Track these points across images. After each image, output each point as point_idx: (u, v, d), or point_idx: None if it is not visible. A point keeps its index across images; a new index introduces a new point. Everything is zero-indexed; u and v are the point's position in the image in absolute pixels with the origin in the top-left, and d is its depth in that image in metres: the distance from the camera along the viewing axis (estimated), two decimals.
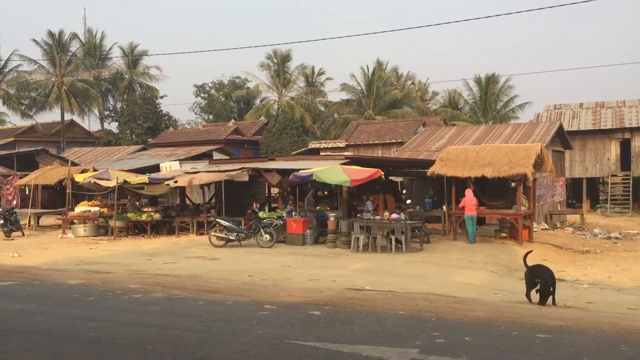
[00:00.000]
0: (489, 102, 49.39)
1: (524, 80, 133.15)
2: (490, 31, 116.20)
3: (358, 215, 19.13)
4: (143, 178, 22.58)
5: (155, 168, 28.28)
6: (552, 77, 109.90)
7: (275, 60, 53.81)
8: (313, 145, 37.90)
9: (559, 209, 27.92)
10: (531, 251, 11.97)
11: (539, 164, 19.13)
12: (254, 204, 21.40)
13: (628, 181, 33.90)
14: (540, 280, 9.89)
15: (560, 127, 29.37)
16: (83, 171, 25.34)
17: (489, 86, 49.22)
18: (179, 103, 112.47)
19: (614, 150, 34.74)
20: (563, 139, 29.78)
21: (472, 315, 8.71)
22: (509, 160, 18.60)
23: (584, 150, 35.08)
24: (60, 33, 49.83)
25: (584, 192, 34.89)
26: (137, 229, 22.52)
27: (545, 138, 26.77)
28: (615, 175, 34.35)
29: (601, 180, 35.78)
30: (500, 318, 8.52)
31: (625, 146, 34.59)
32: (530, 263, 10.65)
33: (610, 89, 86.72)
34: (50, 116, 51.32)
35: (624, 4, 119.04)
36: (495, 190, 20.37)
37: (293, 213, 19.62)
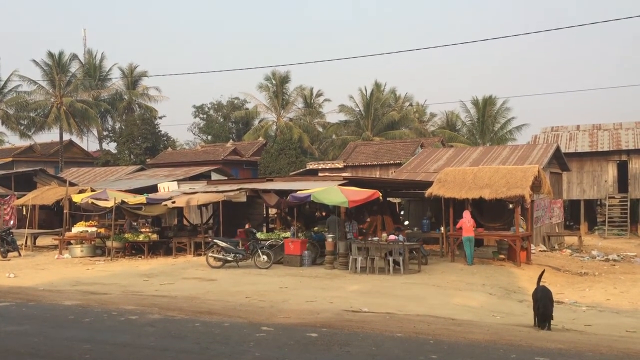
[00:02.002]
0: (486, 124, 49.65)
1: (521, 102, 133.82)
2: (487, 53, 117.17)
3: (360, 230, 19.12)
4: (141, 198, 22.57)
5: (153, 188, 28.23)
6: (549, 99, 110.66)
7: (274, 82, 54.15)
8: (311, 166, 37.95)
9: (557, 230, 27.92)
10: (544, 271, 11.85)
11: (536, 186, 19.18)
12: (247, 225, 21.37)
13: (625, 203, 33.94)
14: (539, 304, 9.80)
15: (558, 149, 29.49)
16: (81, 191, 25.31)
17: (486, 108, 49.52)
18: (177, 124, 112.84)
19: (611, 172, 34.85)
20: (560, 160, 29.89)
21: (470, 337, 8.68)
22: (506, 182, 18.65)
23: (582, 172, 35.18)
24: (60, 54, 50.11)
25: (582, 214, 34.92)
26: (134, 250, 22.44)
27: (542, 160, 26.87)
28: (613, 197, 34.40)
29: (599, 202, 35.81)
30: (498, 340, 8.49)
31: (622, 168, 34.71)
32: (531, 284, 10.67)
33: (607, 111, 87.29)
34: (49, 136, 51.43)
35: (619, 28, 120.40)
36: (493, 212, 20.38)
37: (298, 234, 19.51)
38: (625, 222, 33.57)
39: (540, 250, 23.03)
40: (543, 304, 9.71)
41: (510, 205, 19.83)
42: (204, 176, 33.86)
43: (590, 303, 13.32)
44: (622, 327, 10.19)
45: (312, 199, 18.38)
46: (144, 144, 48.37)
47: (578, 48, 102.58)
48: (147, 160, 45.64)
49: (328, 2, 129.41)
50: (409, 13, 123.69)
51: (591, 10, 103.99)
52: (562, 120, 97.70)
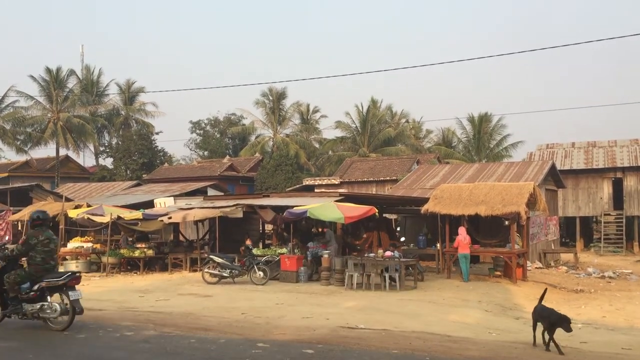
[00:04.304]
0: (482, 141, 49.83)
1: (516, 119, 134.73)
2: (484, 71, 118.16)
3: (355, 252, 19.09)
4: (137, 214, 22.55)
5: (150, 204, 28.24)
6: (544, 116, 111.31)
7: (270, 98, 54.43)
8: (307, 182, 37.98)
9: (553, 247, 27.94)
10: (546, 289, 11.59)
11: (532, 203, 19.24)
12: (247, 240, 21.33)
13: (621, 220, 34.03)
14: (543, 322, 9.42)
15: (553, 166, 29.61)
16: (77, 207, 25.27)
17: (482, 125, 49.73)
18: (174, 139, 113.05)
19: (606, 189, 34.97)
20: (556, 177, 30.00)
21: (465, 354, 8.67)
22: (502, 199, 18.72)
23: (577, 189, 35.30)
24: (58, 69, 50.29)
25: (578, 231, 34.97)
26: (130, 266, 22.38)
27: (538, 177, 26.97)
28: (608, 214, 34.49)
29: (594, 219, 35.90)
30: (494, 358, 8.49)
31: (618, 185, 34.84)
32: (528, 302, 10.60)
33: (602, 128, 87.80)
34: (46, 151, 51.43)
35: (614, 45, 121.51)
36: (489, 229, 20.43)
37: (296, 250, 19.49)
38: (620, 239, 33.63)
39: (536, 267, 23.04)
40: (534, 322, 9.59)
41: (506, 222, 19.88)
42: (201, 192, 33.85)
43: (586, 320, 13.32)
44: (617, 345, 10.19)
45: (308, 214, 18.43)
46: (141, 159, 48.40)
47: (574, 65, 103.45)
48: (144, 175, 45.64)
49: (326, 19, 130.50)
50: (406, 30, 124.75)
51: (586, 28, 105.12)
52: (558, 137, 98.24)
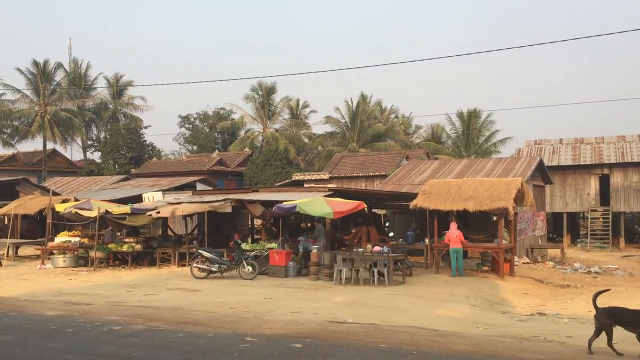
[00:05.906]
0: (471, 137, 50.05)
1: (505, 115, 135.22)
2: (473, 67, 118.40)
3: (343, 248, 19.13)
4: (125, 208, 22.45)
5: (138, 198, 28.10)
6: (532, 113, 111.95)
7: (260, 92, 54.26)
8: (297, 177, 38.00)
9: (540, 243, 28.13)
10: (604, 291, 10.37)
11: (519, 198, 19.35)
12: (236, 235, 21.31)
13: (607, 216, 34.31)
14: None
15: (541, 162, 29.78)
16: (64, 201, 25.12)
17: (471, 121, 49.95)
18: (163, 133, 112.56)
19: (593, 185, 35.24)
20: (543, 173, 30.18)
21: (453, 348, 8.74)
22: (490, 194, 18.81)
23: (564, 185, 35.53)
24: (45, 63, 49.78)
25: (565, 227, 35.21)
26: (118, 260, 22.29)
27: (525, 173, 27.12)
28: (595, 210, 34.75)
29: (581, 215, 36.17)
30: (481, 352, 8.56)
31: (604, 181, 35.12)
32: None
33: (589, 125, 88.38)
34: (33, 145, 51.04)
35: (602, 43, 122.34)
36: (477, 224, 20.52)
37: (286, 245, 19.49)
38: (607, 235, 33.89)
39: (523, 262, 23.20)
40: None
41: (494, 218, 19.98)
42: (189, 186, 33.74)
43: (572, 315, 13.43)
44: (602, 339, 10.27)
45: (297, 209, 18.43)
46: (129, 153, 48.12)
47: (563, 61, 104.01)
48: (132, 170, 45.37)
49: (315, 14, 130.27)
50: (396, 25, 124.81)
51: (576, 25, 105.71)
52: (546, 133, 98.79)
